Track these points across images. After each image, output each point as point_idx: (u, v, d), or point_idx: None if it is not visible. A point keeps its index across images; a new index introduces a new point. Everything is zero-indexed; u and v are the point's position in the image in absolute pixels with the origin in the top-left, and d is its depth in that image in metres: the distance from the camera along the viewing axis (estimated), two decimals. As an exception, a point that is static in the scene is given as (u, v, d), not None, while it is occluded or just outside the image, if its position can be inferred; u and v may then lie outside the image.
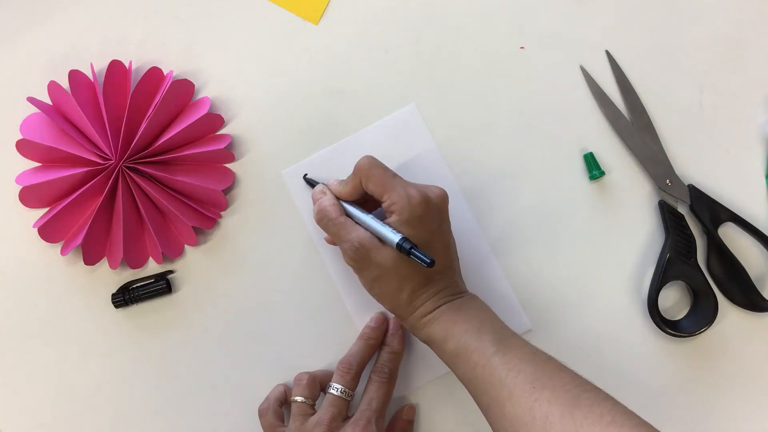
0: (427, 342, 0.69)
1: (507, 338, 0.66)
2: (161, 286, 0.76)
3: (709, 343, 0.75)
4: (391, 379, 0.72)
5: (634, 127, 0.77)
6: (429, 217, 0.67)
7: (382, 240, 0.67)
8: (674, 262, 0.73)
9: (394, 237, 0.65)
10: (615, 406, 0.60)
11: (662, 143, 0.77)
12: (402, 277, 0.67)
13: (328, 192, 0.72)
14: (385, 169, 0.68)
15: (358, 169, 0.69)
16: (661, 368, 0.75)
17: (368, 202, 0.71)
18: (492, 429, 0.64)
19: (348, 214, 0.70)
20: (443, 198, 0.69)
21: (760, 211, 0.76)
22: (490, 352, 0.64)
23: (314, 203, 0.72)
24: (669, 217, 0.74)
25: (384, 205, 0.67)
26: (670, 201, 0.75)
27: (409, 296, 0.68)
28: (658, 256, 0.75)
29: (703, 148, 0.77)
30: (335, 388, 0.70)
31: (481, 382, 0.64)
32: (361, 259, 0.67)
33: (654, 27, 0.79)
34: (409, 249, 0.64)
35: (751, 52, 0.78)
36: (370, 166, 0.68)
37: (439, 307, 0.68)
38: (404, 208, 0.66)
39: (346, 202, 0.71)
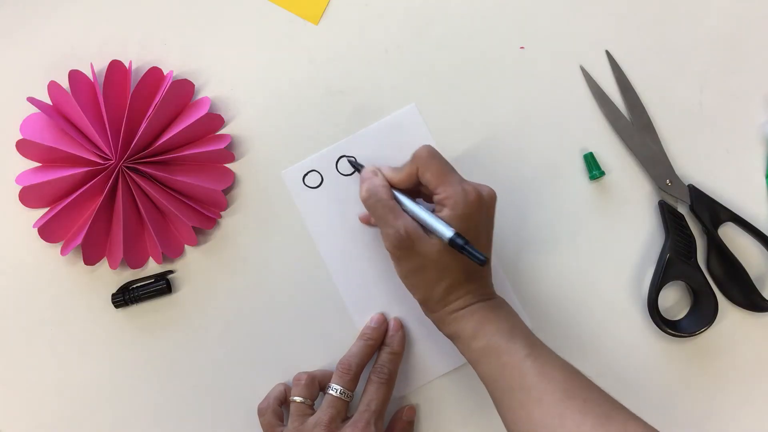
0: (453, 336, 0.69)
1: (538, 345, 0.66)
2: (161, 286, 0.75)
3: (709, 343, 0.75)
4: (390, 380, 0.72)
5: (634, 127, 0.77)
6: (479, 215, 0.67)
7: (427, 231, 0.66)
8: (674, 262, 0.73)
9: (447, 231, 0.64)
10: (646, 427, 0.60)
11: (662, 143, 0.77)
12: (443, 270, 0.67)
13: (380, 173, 0.71)
14: (444, 161, 0.68)
15: (417, 158, 0.68)
16: (661, 368, 0.75)
17: (412, 194, 0.71)
18: (508, 430, 0.64)
19: (397, 201, 0.69)
20: (493, 198, 0.68)
21: (760, 211, 0.76)
22: (522, 354, 0.64)
23: (362, 183, 0.70)
24: (669, 217, 0.74)
25: (437, 197, 0.67)
26: (670, 201, 0.75)
27: (445, 290, 0.67)
28: (658, 256, 0.75)
29: (703, 148, 0.77)
30: (334, 389, 0.70)
31: (509, 383, 0.64)
32: (404, 247, 0.66)
33: (654, 27, 0.79)
34: (463, 244, 0.64)
35: (751, 52, 0.78)
36: (430, 156, 0.68)
37: (472, 304, 0.68)
38: (458, 203, 0.65)
39: (395, 189, 0.70)
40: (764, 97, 0.78)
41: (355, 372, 0.71)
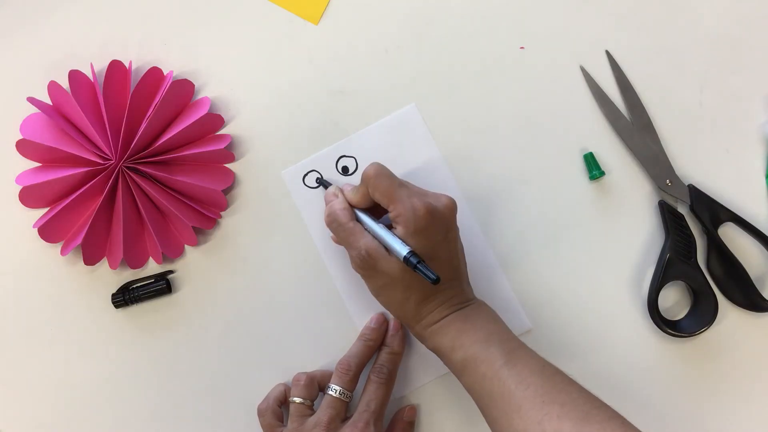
0: (435, 351, 0.69)
1: (515, 349, 0.65)
2: (161, 286, 0.75)
3: (709, 343, 0.75)
4: (390, 380, 0.72)
5: (634, 127, 0.77)
6: (434, 229, 0.66)
7: (389, 249, 0.66)
8: (674, 262, 0.73)
9: (402, 250, 0.65)
10: (624, 424, 0.60)
11: (662, 143, 0.77)
12: (408, 287, 0.67)
13: (340, 195, 0.72)
14: (392, 177, 0.68)
15: (365, 177, 0.68)
16: (661, 368, 0.75)
17: (379, 207, 0.70)
18: None
19: (358, 220, 0.70)
20: (450, 208, 0.68)
21: (760, 211, 0.76)
22: (498, 363, 0.63)
23: (326, 204, 0.72)
24: (669, 217, 0.74)
25: (390, 215, 0.67)
26: (670, 201, 0.75)
27: (416, 306, 0.68)
28: (658, 256, 0.75)
29: (703, 148, 0.77)
30: (333, 389, 0.70)
31: (489, 394, 0.63)
32: (367, 267, 0.67)
33: (654, 27, 0.79)
34: (416, 264, 0.64)
35: (751, 52, 0.78)
36: (376, 175, 0.67)
37: (446, 316, 0.67)
38: (409, 220, 0.65)
39: (357, 208, 0.71)
40: (764, 97, 0.78)
41: (354, 372, 0.71)
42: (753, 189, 0.77)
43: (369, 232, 0.68)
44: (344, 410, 0.70)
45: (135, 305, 0.76)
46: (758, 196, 0.76)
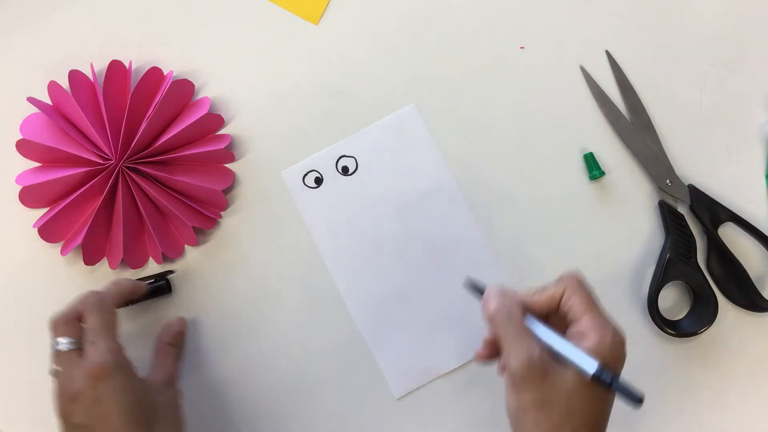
0: None
1: None
2: (161, 285, 0.75)
3: (709, 343, 0.75)
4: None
5: (634, 127, 0.77)
6: (621, 365, 0.60)
7: (561, 364, 0.59)
8: (674, 262, 0.73)
9: (592, 363, 0.57)
10: None
11: (662, 143, 0.77)
12: (570, 411, 0.58)
13: (510, 292, 0.63)
14: (592, 291, 0.62)
15: (565, 280, 0.62)
16: (661, 368, 0.75)
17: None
18: None
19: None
20: (623, 346, 0.61)
21: (760, 211, 0.76)
22: None
23: (491, 299, 0.62)
24: (669, 217, 0.74)
25: (577, 328, 0.60)
26: (670, 201, 0.75)
27: None
28: (658, 256, 0.75)
29: (703, 148, 0.77)
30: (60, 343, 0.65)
31: None
32: (535, 374, 0.57)
33: (654, 27, 0.79)
34: (611, 379, 0.57)
35: (751, 52, 0.79)
36: (580, 282, 0.62)
37: None
38: (606, 342, 0.58)
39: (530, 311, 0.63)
40: (764, 97, 0.78)
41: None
42: (753, 189, 0.77)
43: (541, 340, 0.60)
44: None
45: (135, 305, 0.76)
46: (758, 196, 0.77)
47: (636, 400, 0.56)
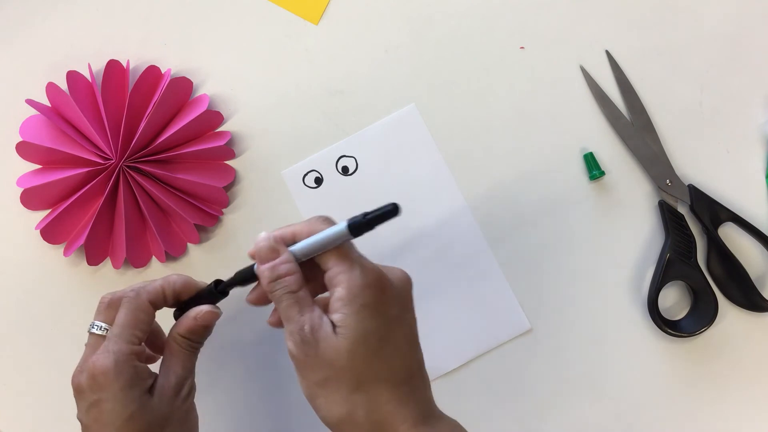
0: None
1: None
2: (216, 290, 0.66)
3: (709, 343, 0.75)
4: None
5: (634, 127, 0.76)
6: (388, 303, 0.55)
7: (335, 329, 0.54)
8: (674, 262, 0.73)
9: (341, 224, 0.53)
10: None
11: (662, 143, 0.76)
12: (359, 384, 0.53)
13: (284, 250, 0.57)
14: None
15: (310, 222, 0.57)
16: (661, 368, 0.75)
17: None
18: None
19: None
20: (407, 282, 0.57)
21: (760, 211, 0.76)
22: None
23: (261, 262, 0.57)
24: (669, 217, 0.74)
25: (328, 274, 0.55)
26: (670, 201, 0.75)
27: (369, 418, 0.54)
28: (658, 256, 0.75)
29: (703, 148, 0.77)
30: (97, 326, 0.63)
31: None
32: (307, 355, 0.53)
33: (654, 27, 0.78)
34: (363, 216, 0.52)
35: (751, 52, 0.78)
36: (321, 221, 0.57)
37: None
38: (355, 285, 0.53)
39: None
40: (764, 97, 0.77)
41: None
42: (753, 189, 0.76)
43: (299, 252, 0.57)
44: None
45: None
46: (758, 196, 0.76)
47: (392, 209, 0.52)
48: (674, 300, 0.76)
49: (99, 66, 0.76)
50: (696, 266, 0.74)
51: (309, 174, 0.77)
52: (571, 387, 0.75)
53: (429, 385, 0.58)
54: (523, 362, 0.75)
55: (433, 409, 0.57)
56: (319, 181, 0.77)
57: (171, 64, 0.78)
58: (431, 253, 0.76)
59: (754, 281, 0.74)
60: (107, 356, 0.59)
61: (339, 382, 0.53)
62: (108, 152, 0.73)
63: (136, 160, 0.73)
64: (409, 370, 0.56)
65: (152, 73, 0.76)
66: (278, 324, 0.58)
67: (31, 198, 0.75)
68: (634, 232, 0.76)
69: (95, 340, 0.62)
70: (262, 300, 0.61)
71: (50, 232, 0.74)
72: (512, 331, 0.75)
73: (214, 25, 0.80)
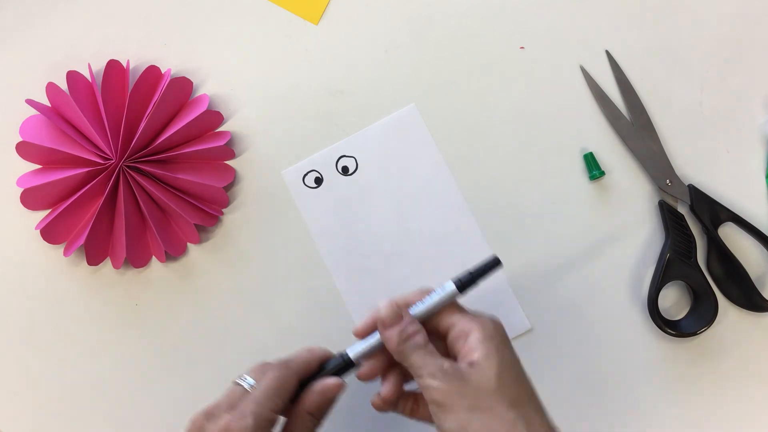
0: None
1: None
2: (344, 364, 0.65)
3: (709, 343, 0.75)
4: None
5: (634, 127, 0.76)
6: (507, 341, 0.60)
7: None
8: (674, 262, 0.73)
9: (448, 283, 0.61)
10: None
11: (662, 143, 0.76)
12: (512, 401, 0.56)
13: (407, 313, 0.61)
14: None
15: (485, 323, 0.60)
16: (661, 368, 0.75)
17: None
18: None
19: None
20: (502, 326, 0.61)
21: (761, 211, 0.76)
22: None
23: (387, 328, 0.60)
24: (669, 217, 0.74)
25: (456, 328, 0.60)
26: (670, 201, 0.75)
27: (527, 426, 0.55)
28: (657, 256, 0.75)
29: (703, 148, 0.77)
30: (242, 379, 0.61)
31: None
32: (452, 383, 0.56)
33: (654, 27, 0.78)
34: (470, 272, 0.61)
35: (751, 52, 0.78)
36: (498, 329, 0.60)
37: None
38: (486, 326, 0.58)
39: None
40: (764, 97, 0.77)
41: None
42: (753, 189, 0.76)
43: (416, 315, 0.62)
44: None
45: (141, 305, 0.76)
46: (758, 196, 0.76)
47: (494, 262, 0.61)
48: (674, 300, 0.75)
49: (99, 66, 0.76)
50: (696, 266, 0.74)
51: (309, 174, 0.77)
52: (571, 387, 0.75)
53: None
54: (522, 362, 0.75)
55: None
56: (319, 181, 0.77)
57: (171, 64, 0.78)
58: (431, 252, 0.76)
59: (754, 281, 0.74)
60: (247, 419, 0.57)
61: (494, 403, 0.55)
62: (108, 152, 0.73)
63: (136, 160, 0.73)
64: (536, 398, 0.58)
65: (152, 73, 0.76)
66: (392, 394, 0.62)
67: (31, 198, 0.75)
68: (634, 232, 0.76)
69: (237, 393, 0.60)
70: (373, 374, 0.63)
71: (50, 232, 0.74)
72: (512, 331, 0.74)
73: (214, 25, 0.80)
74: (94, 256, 0.75)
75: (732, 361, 0.75)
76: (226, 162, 0.78)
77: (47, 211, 0.76)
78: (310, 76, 0.79)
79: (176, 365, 0.76)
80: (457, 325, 0.60)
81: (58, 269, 0.77)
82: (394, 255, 0.76)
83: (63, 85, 0.74)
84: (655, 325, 0.73)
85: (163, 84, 0.75)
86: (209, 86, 0.79)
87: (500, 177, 0.77)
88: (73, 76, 0.75)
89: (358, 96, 0.78)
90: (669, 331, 0.73)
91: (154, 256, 0.77)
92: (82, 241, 0.73)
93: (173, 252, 0.76)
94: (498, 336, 0.58)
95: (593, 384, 0.74)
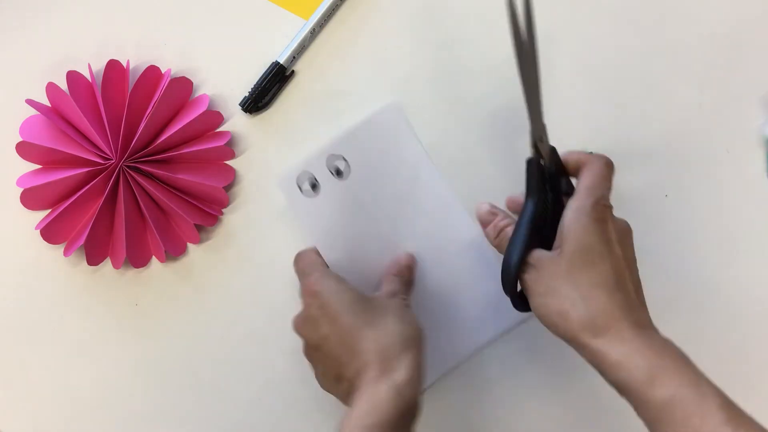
0: (618, 382, 0.56)
1: (735, 408, 0.53)
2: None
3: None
4: None
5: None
6: (609, 229, 0.61)
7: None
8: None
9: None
10: None
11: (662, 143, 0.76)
12: (576, 284, 0.59)
13: (500, 212, 0.70)
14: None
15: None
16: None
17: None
18: None
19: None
20: (628, 226, 0.64)
21: (761, 211, 0.77)
22: (717, 420, 0.51)
23: (485, 225, 0.70)
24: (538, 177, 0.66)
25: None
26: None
27: (586, 307, 0.58)
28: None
29: (703, 148, 0.77)
30: None
31: None
32: (533, 274, 0.62)
33: (654, 27, 0.79)
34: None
35: (751, 52, 0.79)
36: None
37: (639, 335, 0.56)
38: (584, 200, 0.61)
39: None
40: (764, 98, 0.78)
41: None
42: (753, 189, 0.77)
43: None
44: None
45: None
46: (758, 196, 0.77)
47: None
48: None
49: (99, 66, 0.76)
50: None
51: (302, 174, 0.75)
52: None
53: (646, 309, 0.60)
54: (523, 351, 0.76)
55: (648, 323, 0.59)
56: (313, 181, 0.76)
57: (171, 64, 0.78)
58: (426, 252, 0.77)
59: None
60: (314, 276, 0.70)
61: (559, 286, 0.59)
62: (108, 152, 0.73)
63: (136, 160, 0.73)
64: (623, 285, 0.59)
65: (152, 73, 0.76)
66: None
67: (31, 198, 0.75)
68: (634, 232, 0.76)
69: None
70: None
71: (50, 232, 0.74)
72: (512, 321, 0.76)
73: (214, 25, 0.80)
74: (94, 256, 0.75)
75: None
76: (226, 162, 0.77)
77: (47, 211, 0.76)
78: (310, 76, 0.79)
79: (176, 365, 0.77)
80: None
81: (58, 269, 0.77)
82: (389, 252, 0.76)
83: (63, 85, 0.74)
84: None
85: (163, 84, 0.75)
86: (209, 86, 0.79)
87: (499, 177, 0.78)
88: (73, 76, 0.75)
89: (356, 95, 0.79)
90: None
91: (154, 256, 0.77)
92: (82, 241, 0.73)
93: (173, 252, 0.76)
94: (595, 211, 0.60)
95: (593, 383, 0.73)
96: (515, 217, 0.67)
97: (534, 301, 0.61)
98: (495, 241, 0.68)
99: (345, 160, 0.76)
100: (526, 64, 0.63)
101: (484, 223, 0.69)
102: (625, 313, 0.57)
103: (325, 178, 0.75)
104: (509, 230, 0.66)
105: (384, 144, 0.77)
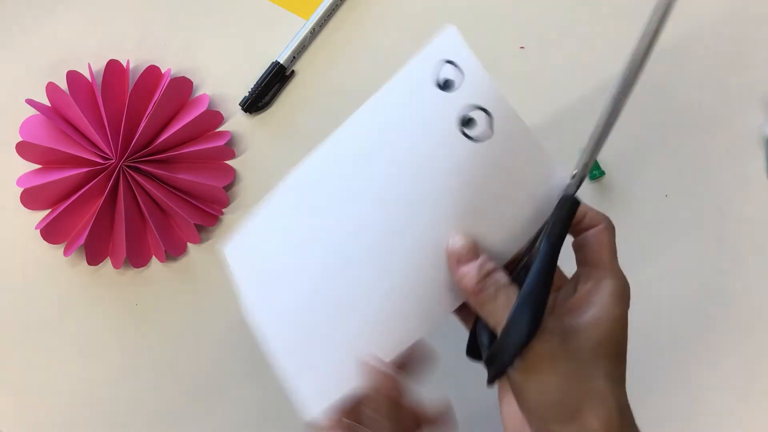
0: None
1: None
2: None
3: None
4: None
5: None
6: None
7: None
8: None
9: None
10: None
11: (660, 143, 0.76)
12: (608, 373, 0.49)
13: (482, 251, 0.50)
14: None
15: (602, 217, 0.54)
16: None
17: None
18: None
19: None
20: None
21: (761, 211, 0.76)
22: None
23: (461, 263, 0.50)
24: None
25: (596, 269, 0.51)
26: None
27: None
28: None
29: (703, 148, 0.77)
30: None
31: None
32: (543, 346, 0.47)
33: (653, 27, 0.79)
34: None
35: (751, 52, 0.78)
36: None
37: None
38: (622, 284, 0.51)
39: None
40: (764, 98, 0.77)
41: None
42: (753, 189, 0.77)
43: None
44: None
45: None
46: (758, 196, 0.77)
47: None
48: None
49: (99, 66, 0.76)
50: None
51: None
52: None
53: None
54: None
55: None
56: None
57: (171, 64, 0.78)
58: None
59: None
60: None
61: (594, 370, 0.48)
62: (108, 152, 0.73)
63: (136, 160, 0.74)
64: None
65: (152, 73, 0.76)
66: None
67: (31, 198, 0.75)
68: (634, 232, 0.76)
69: None
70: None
71: (50, 232, 0.74)
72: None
73: (214, 25, 0.80)
74: (94, 256, 0.75)
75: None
76: (226, 162, 0.77)
77: (47, 211, 0.76)
78: (310, 77, 0.79)
79: (176, 365, 0.76)
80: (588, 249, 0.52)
81: (58, 269, 0.77)
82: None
83: (63, 85, 0.74)
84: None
85: (163, 84, 0.75)
86: (209, 86, 0.79)
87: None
88: (73, 76, 0.75)
89: (355, 95, 0.78)
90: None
91: (154, 256, 0.77)
92: (82, 241, 0.73)
93: (173, 252, 0.76)
94: (627, 298, 0.50)
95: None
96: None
97: (529, 380, 0.48)
98: (476, 287, 0.48)
99: None
100: (623, 90, 0.51)
101: (460, 261, 0.50)
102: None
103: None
104: (500, 277, 0.48)
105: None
